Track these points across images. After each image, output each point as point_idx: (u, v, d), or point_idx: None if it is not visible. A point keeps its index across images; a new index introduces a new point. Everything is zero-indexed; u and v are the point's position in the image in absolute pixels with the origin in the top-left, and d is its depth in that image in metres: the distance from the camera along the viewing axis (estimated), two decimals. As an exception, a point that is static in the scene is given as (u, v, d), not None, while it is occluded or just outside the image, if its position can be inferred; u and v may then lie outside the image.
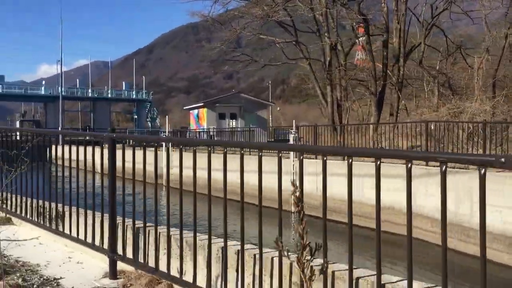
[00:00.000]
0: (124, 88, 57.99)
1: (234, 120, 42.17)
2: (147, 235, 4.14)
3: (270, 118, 54.70)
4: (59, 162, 6.72)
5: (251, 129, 32.59)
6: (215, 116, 43.15)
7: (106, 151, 4.56)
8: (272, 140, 33.31)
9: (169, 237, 3.83)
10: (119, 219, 4.45)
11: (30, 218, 5.83)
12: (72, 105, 76.27)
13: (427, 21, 22.52)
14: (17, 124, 61.67)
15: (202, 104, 44.24)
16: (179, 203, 3.61)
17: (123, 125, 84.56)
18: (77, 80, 56.84)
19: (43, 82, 53.54)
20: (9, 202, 6.42)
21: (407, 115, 21.64)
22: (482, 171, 1.84)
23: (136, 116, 59.47)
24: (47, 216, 5.64)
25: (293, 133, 17.19)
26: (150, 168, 4.18)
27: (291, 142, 17.22)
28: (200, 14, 28.64)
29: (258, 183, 3.20)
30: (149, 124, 57.72)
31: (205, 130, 38.38)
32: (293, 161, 17.15)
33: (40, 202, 5.76)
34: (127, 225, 4.42)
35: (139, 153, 4.17)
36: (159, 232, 3.97)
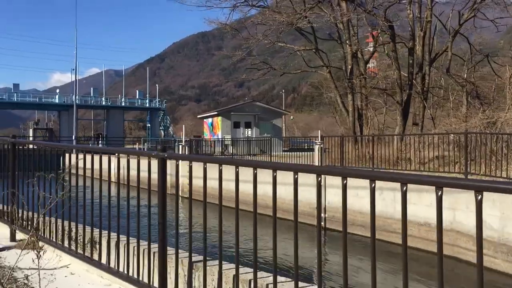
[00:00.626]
0: (137, 97, 57.77)
1: (249, 129, 41.60)
2: (206, 273, 3.51)
3: (284, 127, 54.17)
4: (75, 171, 6.20)
5: (267, 138, 32.03)
6: (229, 124, 42.64)
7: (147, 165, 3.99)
8: (287, 149, 32.68)
9: (237, 277, 3.21)
10: (169, 250, 3.83)
11: (60, 243, 5.22)
12: (84, 113, 76.45)
13: (453, 28, 21.78)
14: (30, 132, 61.75)
15: (216, 112, 43.77)
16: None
17: (135, 133, 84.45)
18: (91, 88, 56.64)
19: (57, 91, 53.53)
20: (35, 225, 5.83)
21: (433, 126, 20.90)
22: None
23: (149, 125, 59.16)
24: (78, 241, 5.05)
25: (318, 143, 16.53)
26: (212, 184, 3.60)
27: (316, 153, 16.56)
28: (217, 22, 28.09)
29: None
30: (162, 133, 57.34)
31: (219, 139, 37.80)
32: (319, 173, 16.49)
33: (67, 223, 5.16)
34: (181, 259, 3.81)
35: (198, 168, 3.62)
36: (223, 271, 3.36)
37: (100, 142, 60.26)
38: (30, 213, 5.84)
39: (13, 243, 5.78)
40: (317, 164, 16.53)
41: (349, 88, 25.05)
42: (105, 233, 4.54)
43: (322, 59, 26.46)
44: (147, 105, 56.49)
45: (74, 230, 4.94)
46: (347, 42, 25.09)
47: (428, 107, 22.01)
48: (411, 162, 16.16)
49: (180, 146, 26.34)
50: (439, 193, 2.02)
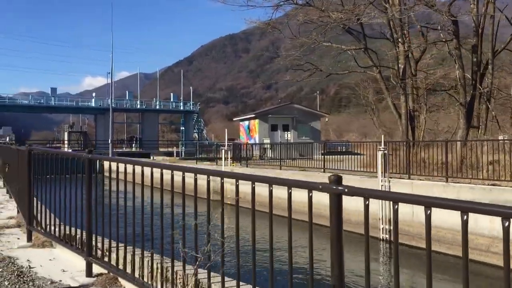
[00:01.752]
0: (172, 100, 57.37)
1: (289, 132, 40.45)
2: None
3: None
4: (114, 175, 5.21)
5: (307, 143, 30.79)
6: (267, 127, 41.61)
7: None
8: (323, 152, 31.36)
9: None
10: None
11: (146, 282, 4.15)
12: (116, 116, 76.69)
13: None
14: (65, 136, 62.14)
15: (253, 115, 42.82)
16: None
17: (168, 136, 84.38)
18: (121, 91, 56.48)
19: (93, 95, 53.56)
20: (113, 256, 4.82)
21: (499, 129, 19.36)
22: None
23: (183, 128, 58.67)
24: (167, 277, 4.00)
25: (382, 149, 15.26)
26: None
27: (379, 160, 15.31)
28: (259, 21, 27.03)
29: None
30: (196, 136, 56.76)
31: (258, 143, 36.72)
32: (382, 181, 15.21)
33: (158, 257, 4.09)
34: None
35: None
36: None
37: (133, 145, 60.22)
38: (106, 242, 4.86)
39: (91, 280, 4.80)
40: (380, 172, 15.28)
41: (402, 89, 23.65)
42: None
43: (371, 59, 25.13)
44: (181, 108, 56.02)
45: (161, 264, 3.87)
46: (399, 40, 23.72)
47: (492, 108, 20.42)
48: (478, 169, 14.65)
49: (223, 151, 25.39)
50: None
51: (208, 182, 3.41)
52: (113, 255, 4.79)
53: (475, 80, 19.14)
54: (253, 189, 2.99)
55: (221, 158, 27.22)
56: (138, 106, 53.23)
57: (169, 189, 3.71)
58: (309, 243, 2.74)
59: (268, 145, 33.67)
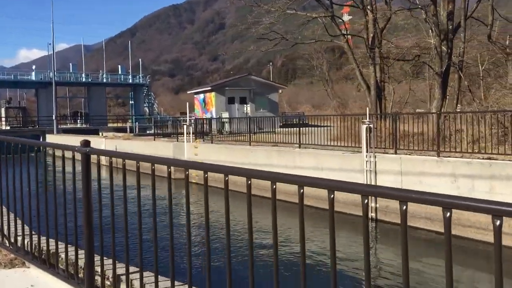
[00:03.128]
0: (120, 72, 54.15)
1: (248, 105, 39.09)
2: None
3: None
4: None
5: (270, 116, 29.65)
6: (224, 100, 40.06)
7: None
8: (281, 124, 30.43)
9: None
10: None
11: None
12: (59, 90, 72.28)
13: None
14: (2, 112, 57.63)
15: (209, 88, 41.09)
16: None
17: (115, 111, 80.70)
18: (70, 64, 52.64)
19: (34, 67, 49.42)
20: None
21: (473, 101, 18.95)
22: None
23: (132, 102, 55.79)
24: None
25: (367, 123, 14.32)
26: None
27: (364, 134, 14.38)
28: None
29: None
30: (147, 110, 54.19)
31: (217, 117, 35.05)
32: (366, 157, 14.33)
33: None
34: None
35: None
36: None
37: (78, 120, 56.77)
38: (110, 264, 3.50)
39: None
40: (364, 147, 14.38)
41: (371, 59, 22.84)
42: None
43: (338, 27, 24.09)
44: (130, 81, 53.08)
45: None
46: (368, 7, 22.80)
47: (464, 78, 19.98)
48: (473, 143, 14.02)
49: (185, 126, 23.78)
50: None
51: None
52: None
53: (450, 48, 18.52)
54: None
55: (181, 134, 25.63)
56: (84, 80, 49.81)
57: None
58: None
59: (235, 119, 32.13)
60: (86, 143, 3.47)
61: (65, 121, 55.41)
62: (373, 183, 14.19)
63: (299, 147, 17.72)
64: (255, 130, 24.85)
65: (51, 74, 45.01)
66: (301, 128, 18.93)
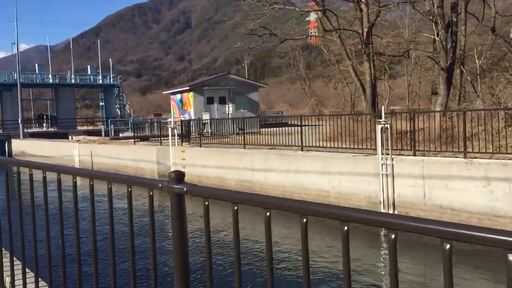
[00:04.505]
0: (89, 72, 51.56)
1: (230, 105, 37.63)
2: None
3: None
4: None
5: (251, 117, 28.37)
6: (202, 100, 38.46)
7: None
8: (261, 124, 29.24)
9: None
10: None
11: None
12: (26, 93, 68.92)
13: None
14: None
15: (188, 87, 39.34)
16: None
17: (82, 113, 77.57)
18: (36, 65, 49.69)
19: (-4, 68, 46.32)
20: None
21: (478, 96, 18.15)
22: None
23: (102, 103, 53.31)
24: None
25: (382, 122, 13.17)
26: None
27: (378, 134, 13.24)
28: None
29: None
30: (119, 112, 51.85)
31: (197, 119, 33.44)
32: (382, 159, 13.19)
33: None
34: None
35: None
36: None
37: (44, 124, 53.86)
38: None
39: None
40: (380, 149, 13.23)
41: (365, 55, 21.83)
42: None
43: (330, 22, 22.99)
44: (100, 81, 50.61)
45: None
46: (362, 1, 21.81)
47: (467, 74, 19.19)
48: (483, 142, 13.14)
49: (170, 128, 22.16)
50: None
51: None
52: None
53: (454, 41, 17.65)
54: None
55: (165, 137, 24.02)
56: (51, 81, 47.08)
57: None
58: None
59: (216, 120, 30.58)
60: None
61: (30, 124, 52.48)
62: (390, 188, 13.08)
63: (302, 149, 16.44)
64: (237, 131, 23.53)
65: (15, 75, 42.27)
66: (284, 128, 17.83)
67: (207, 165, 20.26)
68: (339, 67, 52.25)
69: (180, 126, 23.21)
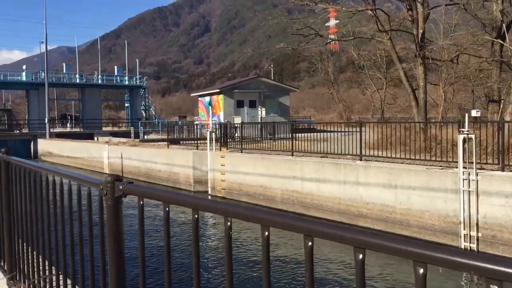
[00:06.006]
0: (116, 73, 50.81)
1: (263, 109, 36.39)
2: None
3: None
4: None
5: (284, 122, 26.96)
6: (232, 104, 37.28)
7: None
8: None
9: None
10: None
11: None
12: (51, 92, 68.76)
13: None
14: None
15: (218, 90, 38.21)
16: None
17: (105, 114, 77.09)
18: (63, 65, 49.04)
19: (24, 67, 45.77)
20: None
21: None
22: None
23: (127, 105, 52.54)
24: None
25: (465, 132, 11.72)
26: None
27: (460, 146, 11.79)
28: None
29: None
30: (143, 113, 50.99)
31: (227, 122, 32.17)
32: (464, 174, 11.71)
33: None
34: None
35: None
36: None
37: (68, 124, 53.24)
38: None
39: None
40: (461, 162, 11.75)
41: (420, 58, 20.38)
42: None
43: (380, 22, 21.58)
44: (126, 82, 49.80)
45: None
46: (418, 0, 20.39)
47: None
48: None
49: (208, 132, 20.96)
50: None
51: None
52: None
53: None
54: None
55: (201, 140, 22.87)
56: (78, 81, 46.40)
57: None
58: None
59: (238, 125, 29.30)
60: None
61: (54, 124, 51.94)
62: (473, 207, 11.59)
63: (361, 159, 15.02)
64: (266, 136, 22.29)
65: (43, 74, 41.62)
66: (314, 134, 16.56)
67: (249, 172, 18.97)
68: (369, 73, 50.76)
69: (220, 130, 21.97)
